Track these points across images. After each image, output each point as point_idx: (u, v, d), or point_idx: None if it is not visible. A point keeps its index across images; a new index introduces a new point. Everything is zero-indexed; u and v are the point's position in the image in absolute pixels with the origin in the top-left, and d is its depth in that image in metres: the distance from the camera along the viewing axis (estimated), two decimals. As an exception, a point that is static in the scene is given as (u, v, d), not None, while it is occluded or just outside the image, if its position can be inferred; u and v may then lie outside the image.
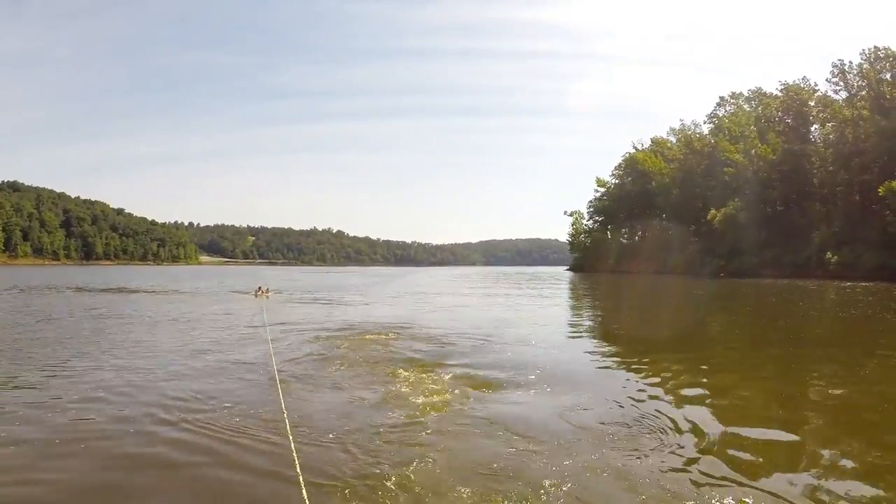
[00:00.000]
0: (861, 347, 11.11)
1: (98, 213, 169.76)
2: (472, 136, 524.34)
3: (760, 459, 4.23)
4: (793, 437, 4.86)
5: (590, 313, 20.83)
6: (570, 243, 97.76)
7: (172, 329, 11.98)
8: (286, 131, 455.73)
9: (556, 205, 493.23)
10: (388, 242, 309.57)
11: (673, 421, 5.17)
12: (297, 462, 3.74)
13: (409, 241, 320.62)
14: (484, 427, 4.93)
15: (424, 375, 6.98)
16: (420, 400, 5.76)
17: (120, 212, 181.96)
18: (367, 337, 10.56)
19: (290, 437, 4.26)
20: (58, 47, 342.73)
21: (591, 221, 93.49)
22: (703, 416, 5.40)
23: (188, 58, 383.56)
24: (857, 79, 52.87)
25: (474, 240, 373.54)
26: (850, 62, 54.19)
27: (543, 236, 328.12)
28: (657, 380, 7.16)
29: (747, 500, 3.46)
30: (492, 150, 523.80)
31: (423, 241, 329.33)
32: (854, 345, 11.72)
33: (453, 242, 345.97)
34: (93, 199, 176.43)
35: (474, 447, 4.43)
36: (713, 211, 59.27)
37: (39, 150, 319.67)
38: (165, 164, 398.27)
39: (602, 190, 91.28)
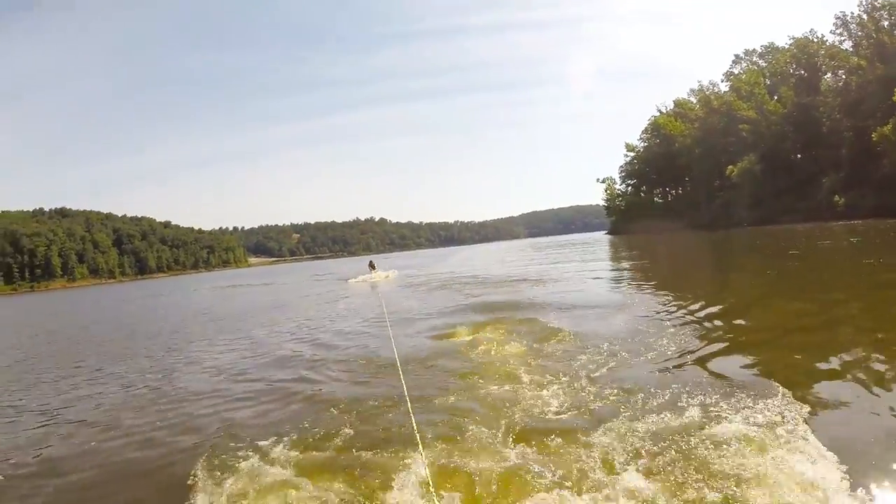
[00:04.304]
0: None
1: (146, 229, 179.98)
2: (504, 110, 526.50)
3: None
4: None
5: (614, 263, 29.02)
6: (606, 208, 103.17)
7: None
8: (318, 123, 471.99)
9: (595, 170, 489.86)
10: (430, 225, 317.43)
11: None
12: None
13: (451, 221, 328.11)
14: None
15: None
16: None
17: (167, 224, 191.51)
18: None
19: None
20: (79, 64, 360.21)
21: (623, 185, 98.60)
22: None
23: (213, 59, 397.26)
24: (857, 29, 56.28)
25: (516, 213, 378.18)
26: (852, 13, 57.74)
27: (584, 202, 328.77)
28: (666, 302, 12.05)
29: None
30: (526, 121, 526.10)
31: (466, 219, 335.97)
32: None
33: (496, 218, 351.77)
34: (139, 216, 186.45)
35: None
36: (731, 167, 64.08)
37: (82, 173, 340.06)
38: (206, 170, 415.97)
39: (631, 154, 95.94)
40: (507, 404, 5.65)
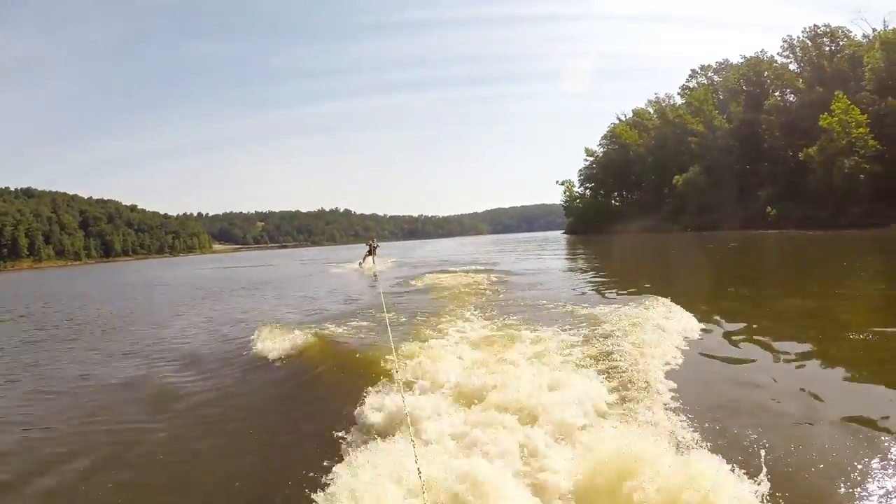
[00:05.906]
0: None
1: (112, 212, 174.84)
2: (475, 105, 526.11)
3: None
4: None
5: (563, 253, 35.77)
6: (565, 208, 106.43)
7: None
8: (287, 114, 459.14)
9: (562, 169, 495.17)
10: (395, 218, 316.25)
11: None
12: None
13: (415, 214, 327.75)
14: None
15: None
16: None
17: (133, 208, 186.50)
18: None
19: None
20: (54, 52, 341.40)
21: (581, 188, 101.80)
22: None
23: (185, 49, 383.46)
24: (801, 53, 60.18)
25: (480, 209, 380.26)
26: (798, 36, 61.68)
27: (548, 201, 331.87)
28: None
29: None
30: (496, 118, 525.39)
31: (430, 213, 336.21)
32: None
33: (460, 213, 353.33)
34: (105, 199, 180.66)
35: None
36: (677, 176, 67.56)
37: (47, 154, 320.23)
38: (171, 157, 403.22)
39: (591, 159, 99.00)
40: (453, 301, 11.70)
